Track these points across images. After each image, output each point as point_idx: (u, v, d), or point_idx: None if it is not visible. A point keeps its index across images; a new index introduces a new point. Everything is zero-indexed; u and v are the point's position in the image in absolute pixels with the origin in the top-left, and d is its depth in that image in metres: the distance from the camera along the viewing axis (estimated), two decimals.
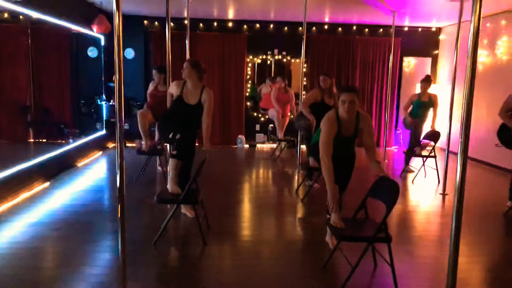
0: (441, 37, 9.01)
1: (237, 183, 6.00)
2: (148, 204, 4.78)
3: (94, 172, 6.42)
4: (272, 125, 9.00)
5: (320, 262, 3.30)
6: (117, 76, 2.62)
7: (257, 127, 9.16)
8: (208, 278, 3.07)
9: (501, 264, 3.60)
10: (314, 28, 8.65)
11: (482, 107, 7.33)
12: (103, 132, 8.22)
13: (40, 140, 8.55)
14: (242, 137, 8.91)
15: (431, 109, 6.71)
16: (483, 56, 7.45)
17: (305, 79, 9.04)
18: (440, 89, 8.87)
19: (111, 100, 8.33)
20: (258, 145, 9.09)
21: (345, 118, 3.24)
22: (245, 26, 8.72)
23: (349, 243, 3.04)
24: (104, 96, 8.24)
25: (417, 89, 9.14)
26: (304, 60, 8.99)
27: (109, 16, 7.41)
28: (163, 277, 3.11)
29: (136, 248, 3.43)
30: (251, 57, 8.90)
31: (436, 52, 9.10)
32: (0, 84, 4.57)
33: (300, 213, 4.75)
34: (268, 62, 9.04)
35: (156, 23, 8.56)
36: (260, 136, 9.13)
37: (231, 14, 8.18)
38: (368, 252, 2.92)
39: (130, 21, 8.38)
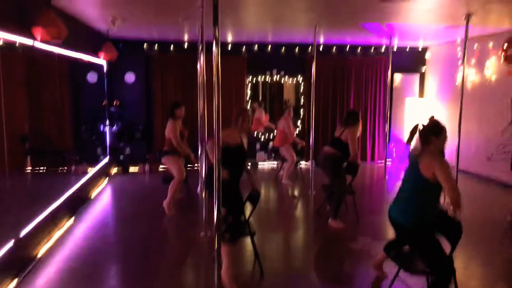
0: (427, 55, 9.57)
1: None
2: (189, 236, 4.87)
3: (106, 203, 6.39)
4: (272, 142, 9.23)
5: None
6: (216, 102, 2.70)
7: (258, 146, 9.34)
8: None
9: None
10: (309, 48, 8.96)
11: (472, 122, 7.87)
12: (107, 158, 8.14)
13: (39, 168, 8.36)
14: None
15: None
16: (472, 75, 8.01)
17: (302, 97, 9.36)
18: (427, 103, 9.42)
19: (114, 126, 8.27)
20: (260, 164, 9.28)
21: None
22: (243, 48, 8.92)
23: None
24: (107, 122, 8.16)
25: (406, 104, 9.70)
26: (301, 79, 9.36)
27: (115, 44, 7.40)
28: None
29: None
30: (250, 77, 9.10)
31: (423, 68, 9.66)
32: None
33: (331, 236, 4.97)
34: (267, 82, 9.28)
35: (156, 47, 8.59)
36: (261, 155, 9.32)
37: (230, 38, 8.35)
38: None
39: (130, 45, 8.39)
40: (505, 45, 7.15)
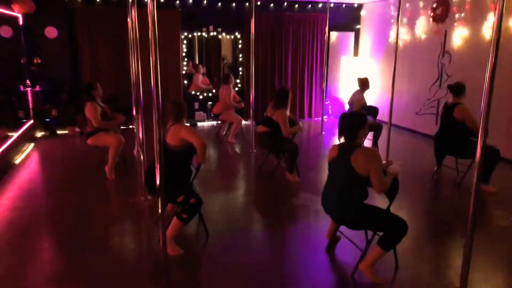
0: (362, 13, 9.71)
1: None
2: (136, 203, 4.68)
3: (33, 170, 5.94)
4: (211, 103, 9.03)
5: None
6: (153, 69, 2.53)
7: (196, 105, 9.10)
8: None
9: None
10: (247, 4, 8.68)
11: (403, 79, 8.24)
12: (31, 121, 7.47)
13: None
14: None
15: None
16: (403, 34, 8.29)
17: (241, 55, 9.15)
18: (362, 62, 9.68)
19: (37, 86, 7.54)
20: (199, 123, 9.09)
21: None
22: (177, 2, 8.41)
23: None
24: (28, 82, 7.41)
25: (342, 63, 9.89)
26: (239, 36, 9.10)
27: None
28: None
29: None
30: (185, 33, 8.67)
31: (358, 26, 9.82)
32: None
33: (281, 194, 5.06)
34: (203, 37, 8.91)
35: None
36: (199, 114, 9.11)
37: None
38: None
39: None
40: (434, 5, 7.45)
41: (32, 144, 7.14)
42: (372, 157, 2.94)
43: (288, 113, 5.35)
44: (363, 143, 3.21)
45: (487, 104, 2.54)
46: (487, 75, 2.50)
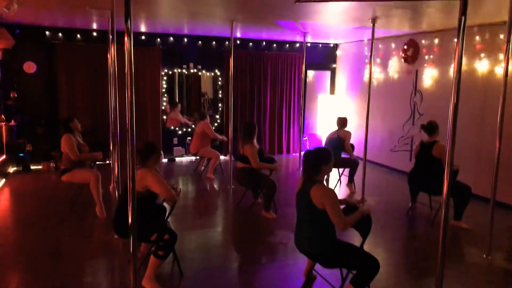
0: (338, 52, 10.09)
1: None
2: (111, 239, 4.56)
3: (4, 206, 5.75)
4: (190, 138, 9.05)
5: None
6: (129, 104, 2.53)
7: (175, 140, 9.10)
8: None
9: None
10: (227, 42, 8.92)
11: (378, 117, 8.50)
12: (3, 156, 7.30)
13: None
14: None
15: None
16: (377, 73, 8.63)
17: (220, 92, 9.30)
18: (338, 100, 9.96)
19: (12, 120, 7.43)
20: (177, 159, 9.06)
21: None
22: (158, 39, 8.58)
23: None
24: (3, 116, 7.30)
25: (319, 100, 10.16)
26: (219, 73, 9.29)
27: (11, 29, 6.62)
28: None
29: None
30: (166, 70, 8.79)
31: (334, 65, 10.17)
32: None
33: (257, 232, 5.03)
34: (183, 74, 9.03)
35: (60, 34, 7.87)
36: (178, 150, 9.09)
37: (143, 28, 7.96)
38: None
39: (30, 31, 7.59)
40: (405, 46, 7.83)
41: (4, 180, 6.94)
42: (326, 196, 2.96)
43: (256, 145, 5.40)
44: (324, 179, 3.25)
45: (452, 140, 2.64)
46: (450, 114, 2.62)
